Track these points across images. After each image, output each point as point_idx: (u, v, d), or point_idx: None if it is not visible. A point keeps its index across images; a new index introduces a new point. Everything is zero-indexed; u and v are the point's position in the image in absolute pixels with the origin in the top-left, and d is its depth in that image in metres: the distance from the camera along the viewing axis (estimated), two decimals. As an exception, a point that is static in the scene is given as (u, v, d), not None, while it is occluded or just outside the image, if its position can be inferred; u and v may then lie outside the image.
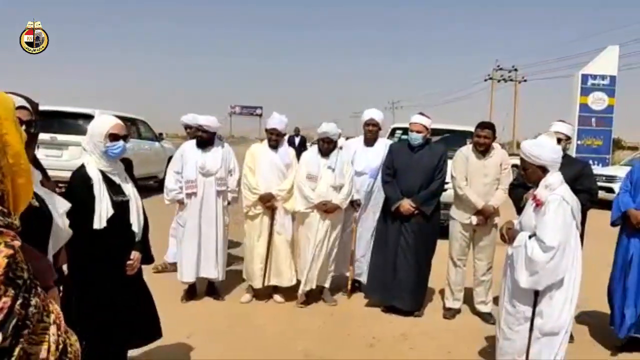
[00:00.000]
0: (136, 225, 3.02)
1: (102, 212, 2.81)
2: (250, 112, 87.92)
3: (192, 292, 5.16)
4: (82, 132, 3.57)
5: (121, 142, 2.93)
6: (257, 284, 5.13)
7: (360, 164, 5.30)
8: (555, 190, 3.03)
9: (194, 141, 5.16)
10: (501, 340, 3.28)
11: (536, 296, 3.05)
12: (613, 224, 4.30)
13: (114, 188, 2.92)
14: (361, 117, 5.55)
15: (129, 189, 3.02)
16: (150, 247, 3.26)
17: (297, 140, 16.74)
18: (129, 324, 3.03)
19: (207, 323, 4.54)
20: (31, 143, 2.47)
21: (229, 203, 5.19)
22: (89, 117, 8.90)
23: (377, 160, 5.29)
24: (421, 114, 5.02)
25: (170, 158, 10.86)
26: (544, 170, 3.11)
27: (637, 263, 4.05)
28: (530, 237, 3.06)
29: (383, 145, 5.40)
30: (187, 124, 6.19)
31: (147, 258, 3.20)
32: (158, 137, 13.40)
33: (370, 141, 5.42)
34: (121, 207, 2.92)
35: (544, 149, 3.11)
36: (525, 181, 3.96)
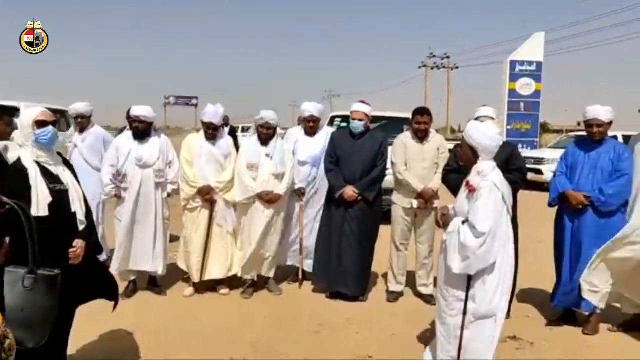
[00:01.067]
0: (80, 213, 2.96)
1: (40, 198, 2.74)
2: (186, 102, 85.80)
3: (132, 288, 5.03)
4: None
5: (50, 128, 2.89)
6: (195, 278, 5.06)
7: (303, 153, 5.30)
8: (487, 177, 3.08)
9: (129, 133, 4.98)
10: (438, 324, 3.35)
11: (469, 281, 3.11)
12: (551, 205, 4.50)
13: (51, 178, 2.86)
14: (300, 109, 5.52)
15: (67, 178, 2.95)
16: (97, 236, 3.20)
17: (226, 130, 16.44)
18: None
19: (150, 319, 4.44)
20: None
21: (169, 195, 5.07)
22: (14, 110, 8.44)
23: (319, 149, 5.30)
24: (362, 102, 5.07)
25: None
26: (474, 152, 3.17)
27: (579, 240, 4.27)
28: (463, 222, 3.11)
29: (324, 134, 5.42)
30: (81, 113, 5.84)
31: (94, 247, 3.13)
32: (89, 129, 12.84)
33: (311, 132, 5.42)
34: (60, 196, 2.85)
35: (479, 132, 3.17)
36: (458, 162, 4.12)
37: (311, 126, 5.37)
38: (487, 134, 3.16)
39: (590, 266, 4.09)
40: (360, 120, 4.94)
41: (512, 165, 4.37)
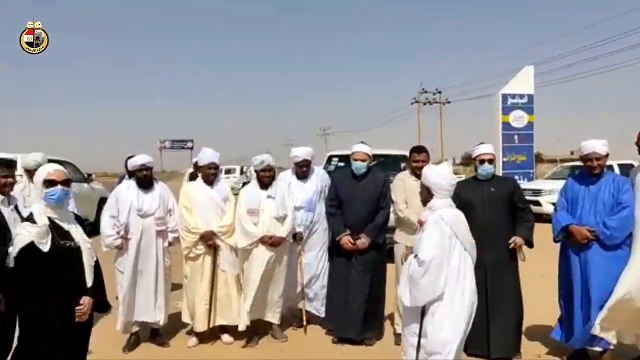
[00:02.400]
0: (88, 271, 3.03)
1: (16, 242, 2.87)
2: (181, 145, 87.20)
3: (135, 341, 4.91)
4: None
5: (58, 188, 3.02)
6: (202, 327, 4.92)
7: (297, 198, 5.22)
8: (436, 211, 3.16)
9: (129, 182, 4.97)
10: None
11: (422, 316, 3.10)
12: (556, 241, 4.45)
13: (61, 234, 2.97)
14: (291, 155, 5.44)
15: (78, 236, 3.06)
16: (105, 293, 3.22)
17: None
18: None
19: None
20: None
21: (170, 244, 5.01)
22: (10, 162, 8.39)
23: (311, 193, 5.27)
24: (362, 142, 5.08)
25: (101, 199, 10.31)
26: (429, 191, 3.26)
27: (587, 275, 4.17)
28: (415, 256, 3.15)
29: (315, 175, 5.39)
30: (31, 165, 5.12)
31: (102, 305, 3.17)
32: (87, 178, 12.87)
33: (303, 176, 5.38)
34: (69, 252, 2.96)
35: (431, 172, 3.30)
36: None
37: (303, 170, 5.35)
38: (439, 174, 3.28)
39: (608, 306, 4.00)
40: (363, 160, 4.95)
41: (518, 202, 4.54)
